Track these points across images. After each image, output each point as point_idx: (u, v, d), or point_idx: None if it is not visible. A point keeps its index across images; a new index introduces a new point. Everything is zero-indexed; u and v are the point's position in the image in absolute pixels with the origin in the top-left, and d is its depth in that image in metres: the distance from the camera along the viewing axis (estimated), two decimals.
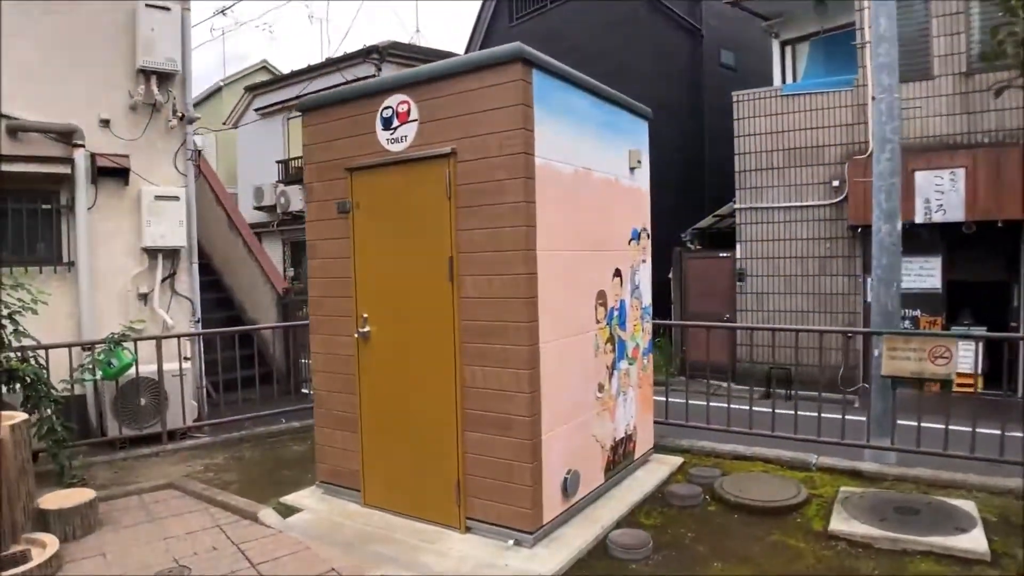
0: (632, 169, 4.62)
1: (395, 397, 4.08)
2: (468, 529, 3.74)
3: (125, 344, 5.40)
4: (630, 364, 4.62)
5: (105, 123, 6.00)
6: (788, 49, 11.19)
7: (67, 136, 5.73)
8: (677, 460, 5.02)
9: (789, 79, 10.99)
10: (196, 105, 7.13)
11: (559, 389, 3.75)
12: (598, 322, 4.17)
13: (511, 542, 3.57)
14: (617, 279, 4.42)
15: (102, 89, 6.01)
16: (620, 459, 4.47)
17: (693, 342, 10.61)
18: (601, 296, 4.21)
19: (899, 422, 5.25)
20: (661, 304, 11.04)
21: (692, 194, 11.97)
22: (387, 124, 3.97)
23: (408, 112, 3.86)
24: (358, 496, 4.24)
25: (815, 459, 4.84)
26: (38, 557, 3.53)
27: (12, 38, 5.60)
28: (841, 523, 3.72)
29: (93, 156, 5.84)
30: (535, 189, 3.53)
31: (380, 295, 4.10)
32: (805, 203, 9.56)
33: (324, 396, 4.47)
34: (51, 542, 3.67)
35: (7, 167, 5.43)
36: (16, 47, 5.60)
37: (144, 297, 6.18)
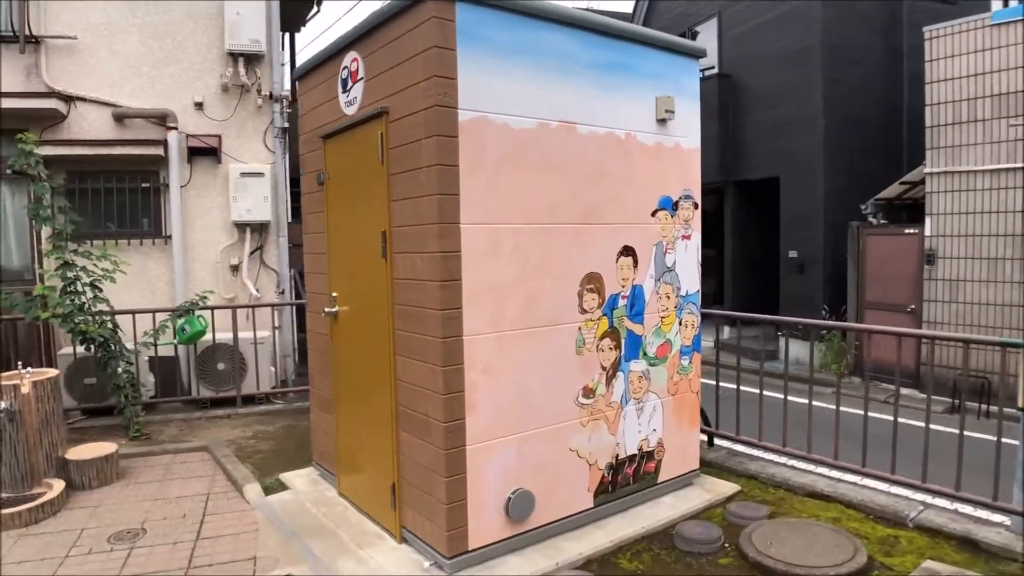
0: (662, 121, 3.64)
1: (357, 383, 3.74)
2: (404, 540, 3.28)
3: (200, 312, 5.79)
4: (651, 365, 3.70)
5: (199, 105, 6.46)
6: None
7: (162, 119, 6.25)
8: (729, 488, 3.98)
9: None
10: None
11: (505, 391, 3.08)
12: (584, 312, 3.37)
13: (428, 564, 3.04)
14: (627, 259, 3.53)
15: (197, 74, 6.46)
16: (627, 481, 3.62)
17: (869, 336, 8.72)
18: (592, 280, 3.38)
19: None
20: (838, 290, 9.22)
21: (886, 157, 9.70)
22: (344, 85, 3.58)
23: (358, 70, 3.42)
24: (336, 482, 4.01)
25: (915, 513, 3.48)
26: (40, 500, 3.88)
27: (121, 34, 6.25)
28: None
29: (186, 137, 6.32)
30: (459, 149, 2.88)
31: (345, 273, 3.76)
32: (1016, 165, 7.06)
33: (314, 375, 4.29)
34: (57, 489, 4.02)
35: (114, 151, 6.08)
36: (124, 41, 6.23)
37: (234, 268, 6.60)
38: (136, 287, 6.39)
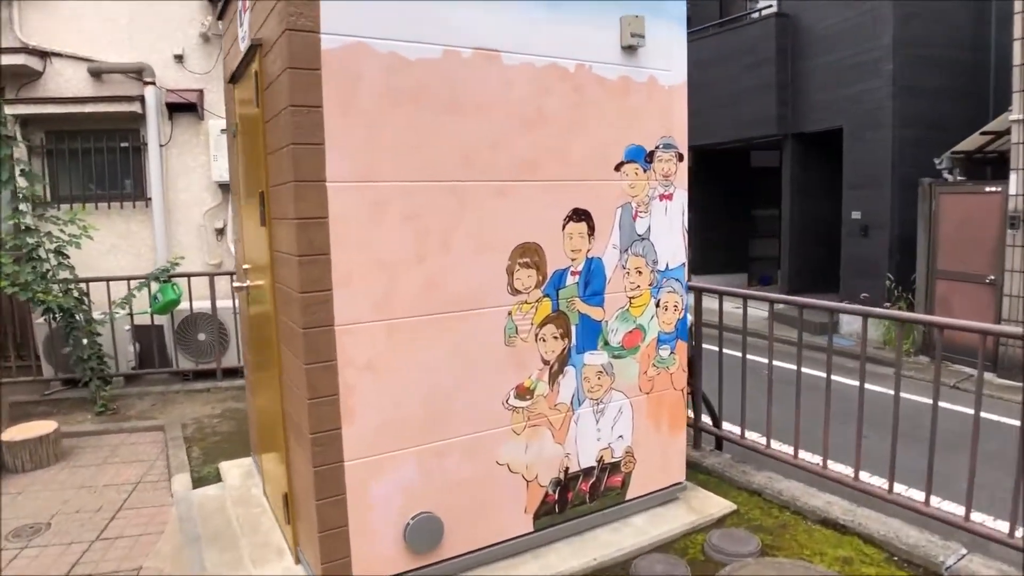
0: (629, 49, 2.84)
1: (260, 372, 3.22)
2: (299, 560, 2.77)
3: (178, 279, 5.45)
4: (616, 357, 2.98)
5: (179, 58, 6.01)
6: None
7: (139, 74, 5.85)
8: (721, 507, 3.25)
9: None
10: None
11: (398, 394, 2.47)
12: (517, 292, 2.68)
13: None
14: (578, 225, 2.80)
15: (177, 24, 6.00)
16: (580, 499, 2.96)
17: (942, 309, 7.54)
18: (528, 253, 2.68)
19: None
20: (906, 257, 8.03)
21: (968, 104, 8.21)
22: (241, 18, 2.97)
23: None
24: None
25: (955, 559, 2.65)
26: None
27: None
28: None
29: (164, 92, 5.90)
30: (321, 85, 2.22)
31: (250, 242, 3.21)
32: None
33: (244, 355, 3.81)
34: None
35: (89, 108, 5.74)
36: None
37: (220, 232, 6.22)
38: (120, 252, 6.12)
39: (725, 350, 4.04)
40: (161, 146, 5.97)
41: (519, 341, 2.71)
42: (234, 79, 3.18)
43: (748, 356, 3.68)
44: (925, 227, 7.63)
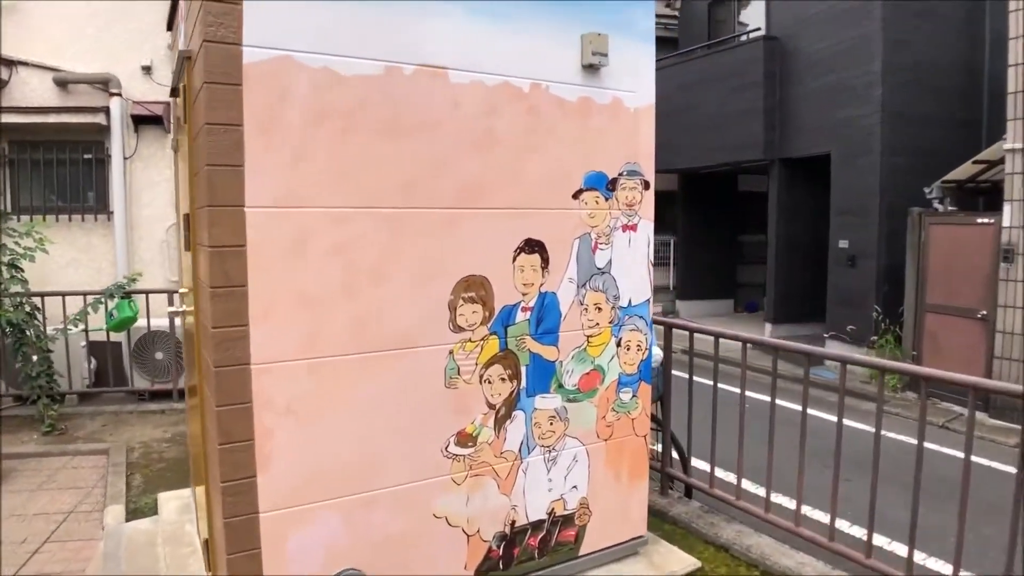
0: (591, 68, 2.65)
1: (192, 405, 2.99)
2: None
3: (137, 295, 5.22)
4: (571, 401, 2.76)
5: (147, 69, 5.84)
6: None
7: (105, 85, 5.66)
8: (683, 565, 3.01)
9: None
10: None
11: (322, 440, 2.24)
12: (460, 329, 2.46)
13: None
14: (530, 256, 2.59)
15: (145, 35, 5.84)
16: (529, 555, 2.72)
17: (931, 344, 7.34)
18: (473, 286, 2.47)
19: None
20: (894, 288, 7.84)
21: (960, 132, 8.07)
22: (180, 30, 2.78)
23: (179, 5, 2.61)
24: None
25: None
26: None
27: None
28: None
29: (130, 104, 5.71)
30: (242, 102, 2.02)
31: (185, 266, 2.99)
32: None
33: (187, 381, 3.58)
34: None
35: (52, 119, 5.54)
36: (67, 4, 5.64)
37: None
38: (80, 266, 5.90)
39: (700, 379, 3.81)
40: (125, 159, 5.78)
41: (461, 383, 2.48)
42: (174, 93, 2.99)
43: (729, 388, 3.45)
44: (914, 258, 7.46)
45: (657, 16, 11.42)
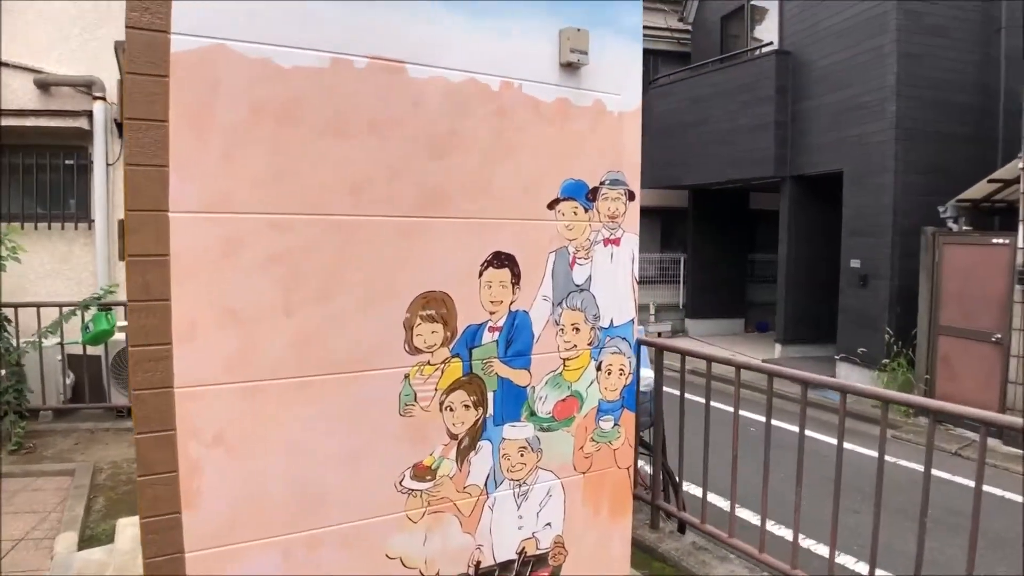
0: (569, 67, 2.42)
1: None
2: None
3: (110, 308, 5.03)
4: (544, 430, 2.50)
5: None
6: None
7: (88, 88, 5.52)
8: None
9: None
10: None
11: (259, 473, 2.01)
12: (417, 351, 2.22)
13: None
14: (499, 271, 2.35)
15: None
16: None
17: (944, 368, 7.00)
18: (432, 304, 2.23)
19: None
20: (907, 310, 7.52)
21: (976, 150, 7.75)
22: None
23: None
24: None
25: None
26: None
27: None
28: None
29: (112, 108, 5.57)
30: (169, 95, 1.81)
31: None
32: None
33: None
34: None
35: (31, 122, 5.41)
36: (52, 4, 5.53)
37: None
38: (60, 277, 5.74)
39: (695, 398, 3.53)
40: (108, 165, 5.63)
41: (419, 410, 2.24)
42: None
43: (732, 410, 3.17)
44: (927, 279, 7.14)
45: (670, 30, 11.27)
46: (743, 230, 12.65)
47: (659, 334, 12.78)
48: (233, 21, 1.89)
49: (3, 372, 4.63)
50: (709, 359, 3.15)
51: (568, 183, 2.48)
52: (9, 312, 4.83)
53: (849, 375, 7.98)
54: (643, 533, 3.34)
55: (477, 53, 2.25)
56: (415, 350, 2.21)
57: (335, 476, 2.12)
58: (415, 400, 2.23)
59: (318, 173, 2.02)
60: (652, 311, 12.94)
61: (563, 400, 2.54)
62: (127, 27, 1.81)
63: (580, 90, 2.48)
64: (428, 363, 2.24)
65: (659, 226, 13.13)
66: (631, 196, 2.65)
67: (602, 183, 2.56)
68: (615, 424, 2.69)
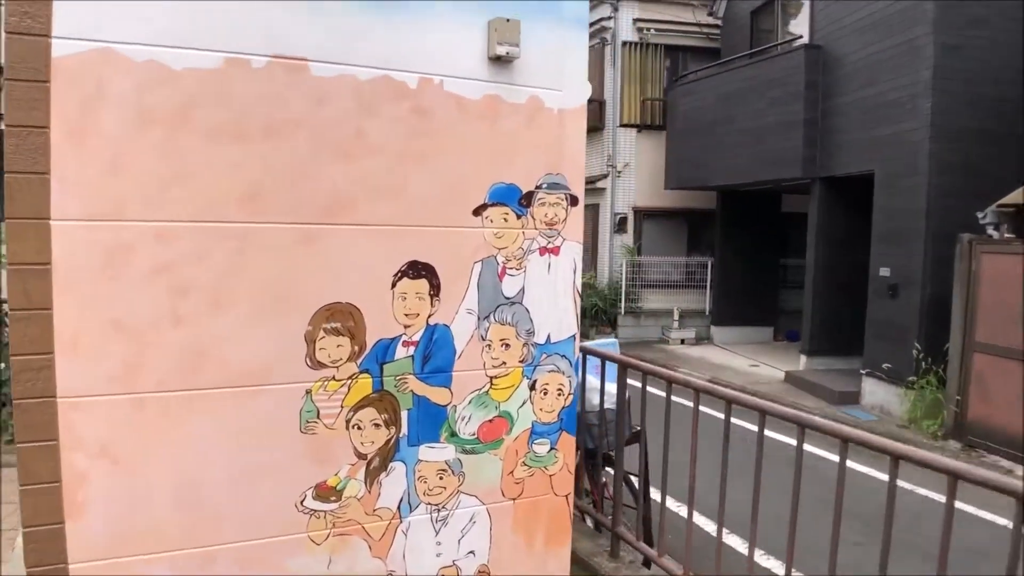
0: (499, 61, 2.27)
1: None
2: None
3: None
4: (467, 453, 2.35)
5: None
6: None
7: None
8: None
9: None
10: None
11: (147, 486, 1.95)
12: (321, 366, 2.11)
13: None
14: (415, 282, 2.22)
15: None
16: None
17: (978, 388, 6.53)
18: (337, 316, 2.11)
19: None
20: (938, 323, 7.04)
21: (1019, 150, 7.17)
22: None
23: None
24: None
25: None
26: None
27: None
28: None
29: None
30: (50, 101, 1.76)
31: None
32: None
33: None
34: None
35: None
36: None
37: None
38: None
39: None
40: None
41: (322, 428, 2.12)
42: None
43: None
44: (962, 290, 6.67)
45: (699, 25, 10.87)
46: (775, 234, 12.16)
47: (682, 341, 12.42)
48: (118, 23, 1.81)
49: (2, 365, 4.74)
50: (669, 379, 2.93)
51: (497, 187, 2.32)
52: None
53: (875, 392, 7.54)
54: (600, 561, 3.15)
55: (392, 48, 2.12)
56: (318, 364, 2.10)
57: (230, 492, 2.03)
58: (318, 417, 2.11)
59: (210, 179, 1.93)
60: (676, 317, 12.58)
61: (490, 421, 2.38)
62: (6, 32, 1.75)
63: (513, 86, 2.31)
64: (333, 379, 2.12)
65: (685, 228, 12.75)
66: (573, 201, 2.47)
67: (539, 187, 2.39)
68: (551, 448, 2.51)
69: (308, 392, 2.09)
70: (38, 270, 1.80)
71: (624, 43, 12.70)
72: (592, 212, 13.40)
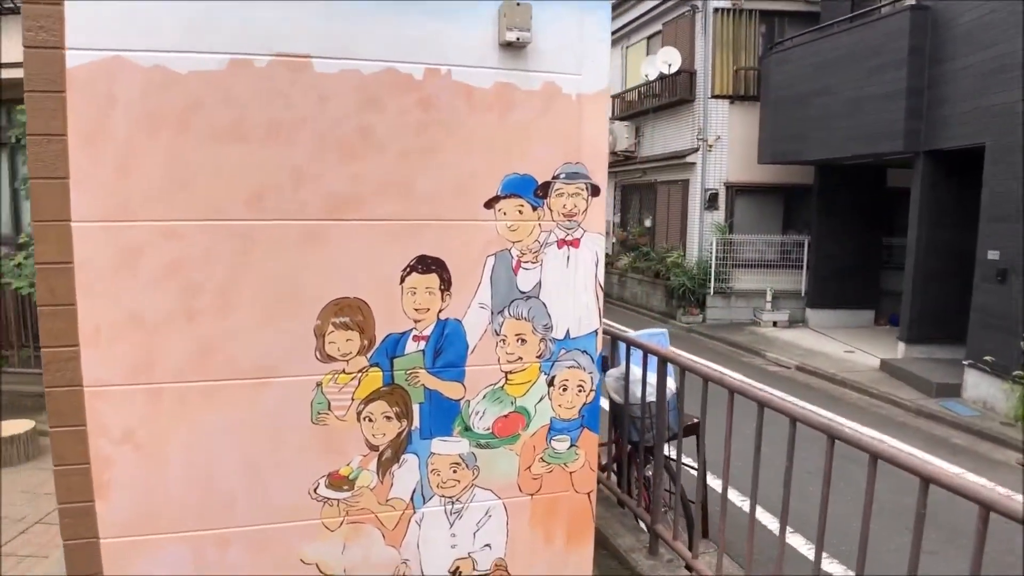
0: (510, 47, 2.19)
1: None
2: None
3: None
4: (481, 447, 2.34)
5: None
6: None
7: None
8: None
9: None
10: None
11: (169, 470, 2.07)
12: (330, 359, 2.14)
13: None
14: (425, 277, 2.20)
15: None
16: None
17: None
18: (346, 311, 2.14)
19: None
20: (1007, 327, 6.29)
21: None
22: None
23: None
24: None
25: None
26: None
27: None
28: None
29: None
30: (66, 110, 1.87)
31: None
32: None
33: None
34: None
35: None
36: None
37: None
38: None
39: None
40: None
41: (333, 419, 2.17)
42: None
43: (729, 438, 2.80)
44: None
45: None
46: (878, 211, 11.24)
47: (775, 323, 11.81)
48: (126, 31, 1.89)
49: None
50: (706, 377, 2.76)
51: (511, 178, 2.25)
52: None
53: (979, 385, 6.85)
54: (638, 558, 3.06)
55: (397, 40, 2.09)
56: (328, 358, 2.14)
57: (243, 479, 2.12)
58: (329, 409, 2.16)
59: (215, 179, 1.99)
60: (769, 298, 11.97)
61: (505, 416, 2.35)
62: (25, 47, 1.86)
63: (526, 72, 2.23)
64: (343, 372, 2.16)
65: (781, 205, 12.02)
66: (595, 191, 2.36)
67: (556, 177, 2.30)
68: (572, 445, 2.45)
69: (319, 384, 2.14)
70: (61, 268, 1.93)
71: (716, 9, 12.04)
72: (681, 188, 12.92)
